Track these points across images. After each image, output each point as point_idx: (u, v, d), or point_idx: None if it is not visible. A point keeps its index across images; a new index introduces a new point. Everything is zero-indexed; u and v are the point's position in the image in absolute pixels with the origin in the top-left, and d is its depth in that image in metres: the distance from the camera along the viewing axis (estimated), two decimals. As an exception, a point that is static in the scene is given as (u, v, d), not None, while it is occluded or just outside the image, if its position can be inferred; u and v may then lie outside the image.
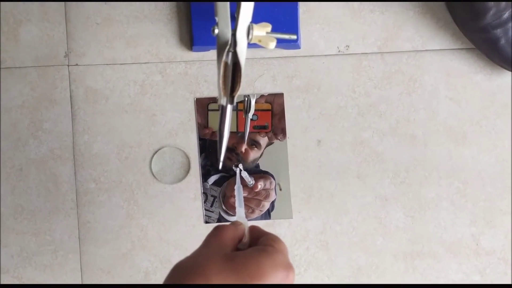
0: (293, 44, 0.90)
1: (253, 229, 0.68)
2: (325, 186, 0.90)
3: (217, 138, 0.74)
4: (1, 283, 0.91)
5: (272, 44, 0.79)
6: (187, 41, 0.91)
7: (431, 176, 0.90)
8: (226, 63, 0.72)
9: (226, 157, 0.91)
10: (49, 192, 0.91)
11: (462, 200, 0.90)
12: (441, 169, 0.90)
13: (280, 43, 0.88)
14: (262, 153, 0.91)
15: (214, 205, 0.91)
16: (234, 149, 0.91)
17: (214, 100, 0.92)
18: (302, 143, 0.91)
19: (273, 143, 0.91)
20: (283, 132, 0.90)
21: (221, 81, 0.72)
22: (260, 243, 0.65)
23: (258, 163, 0.91)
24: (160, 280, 0.90)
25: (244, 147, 0.91)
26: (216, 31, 0.73)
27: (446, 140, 0.90)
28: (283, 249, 0.65)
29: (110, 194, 0.91)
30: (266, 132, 0.90)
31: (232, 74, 0.72)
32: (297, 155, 0.91)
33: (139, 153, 0.91)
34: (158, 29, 0.91)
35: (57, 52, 0.91)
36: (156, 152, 0.91)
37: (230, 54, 0.72)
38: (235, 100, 0.73)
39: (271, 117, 0.91)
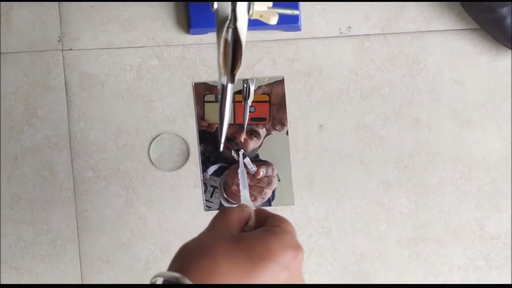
0: (294, 26, 0.88)
1: (259, 211, 0.66)
2: (327, 172, 0.89)
3: (218, 119, 0.72)
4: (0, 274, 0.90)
5: (274, 19, 0.76)
6: (184, 24, 0.89)
7: (435, 161, 0.89)
8: (226, 40, 0.70)
9: (224, 146, 0.89)
10: (46, 181, 0.89)
11: (466, 185, 0.89)
12: (445, 153, 0.89)
13: (281, 24, 0.86)
14: (261, 143, 0.89)
15: (214, 195, 0.89)
16: (233, 138, 0.89)
17: (210, 89, 0.89)
18: (304, 128, 0.89)
19: (271, 133, 0.89)
20: (281, 122, 0.89)
21: (221, 59, 0.69)
22: (267, 225, 0.64)
23: (258, 153, 0.89)
24: (161, 268, 0.89)
25: (243, 136, 0.89)
26: (215, 5, 0.70)
27: (450, 123, 0.89)
28: (291, 230, 0.63)
29: (108, 182, 0.90)
30: (264, 124, 0.89)
31: (233, 52, 0.70)
32: (299, 140, 0.89)
33: (136, 140, 0.90)
34: (155, 12, 0.89)
35: (51, 37, 0.89)
36: (154, 138, 0.90)
37: (230, 30, 0.70)
38: (236, 79, 0.70)
39: (269, 108, 0.89)
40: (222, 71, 0.69)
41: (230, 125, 0.89)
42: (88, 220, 0.89)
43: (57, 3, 0.88)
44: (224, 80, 0.69)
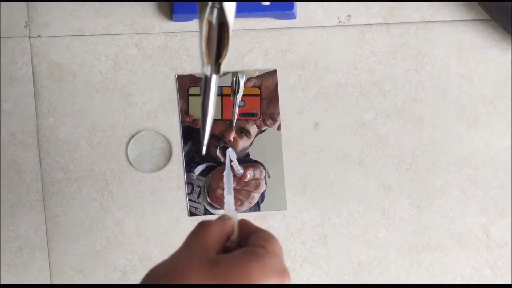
0: (288, 13, 0.83)
1: (243, 224, 0.61)
2: (323, 174, 0.85)
3: (200, 117, 0.64)
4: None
5: None
6: (166, 9, 0.84)
7: (439, 162, 0.86)
8: (210, 23, 0.62)
9: (212, 145, 0.83)
10: (11, 182, 0.84)
11: (472, 188, 0.86)
12: (451, 154, 0.86)
13: (274, 10, 0.82)
14: (252, 142, 0.83)
15: (201, 196, 0.83)
16: (221, 137, 0.84)
17: (195, 82, 0.83)
18: (298, 126, 0.85)
19: (264, 131, 0.83)
20: (272, 117, 0.84)
21: (203, 44, 0.61)
22: (250, 242, 0.59)
23: (248, 152, 0.83)
24: (140, 279, 0.83)
25: (232, 135, 0.83)
26: None
27: (456, 122, 0.85)
28: (277, 251, 0.58)
29: (81, 184, 0.85)
30: (254, 120, 0.83)
31: (218, 37, 0.62)
32: (292, 139, 0.85)
33: (113, 137, 0.85)
34: None
35: (16, 22, 0.83)
36: (132, 136, 0.85)
37: (215, 11, 0.62)
38: (222, 69, 0.62)
39: (260, 102, 0.83)
40: (205, 59, 0.62)
41: (217, 121, 0.83)
42: (59, 226, 0.85)
43: (23, -17, 0.82)
44: (207, 70, 0.62)
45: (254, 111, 0.84)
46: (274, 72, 0.84)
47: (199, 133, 0.84)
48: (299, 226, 0.85)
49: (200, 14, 0.62)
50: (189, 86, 0.84)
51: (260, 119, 0.84)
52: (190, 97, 0.84)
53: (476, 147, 0.86)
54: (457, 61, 0.85)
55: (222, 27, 0.62)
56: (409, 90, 0.85)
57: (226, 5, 0.61)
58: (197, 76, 0.84)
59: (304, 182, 0.85)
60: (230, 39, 0.62)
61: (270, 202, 0.85)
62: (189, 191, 0.84)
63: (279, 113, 0.84)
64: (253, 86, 0.84)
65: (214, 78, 0.62)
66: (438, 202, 0.86)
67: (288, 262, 0.84)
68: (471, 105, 0.85)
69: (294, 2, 0.82)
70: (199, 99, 0.82)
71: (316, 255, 0.86)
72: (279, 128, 0.84)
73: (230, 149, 0.83)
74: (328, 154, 0.85)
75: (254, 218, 0.84)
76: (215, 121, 0.83)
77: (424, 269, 0.86)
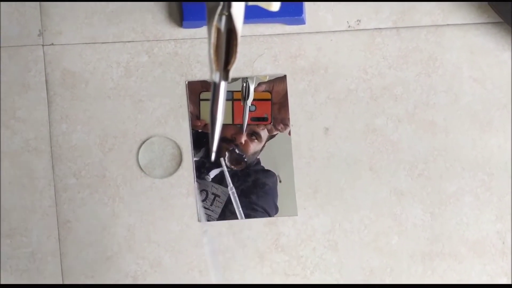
0: (297, 19, 0.84)
1: None
2: (334, 180, 0.85)
3: (209, 123, 0.64)
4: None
5: (276, 5, 0.69)
6: (176, 16, 0.85)
7: (452, 168, 0.85)
8: (218, 29, 0.62)
9: (224, 148, 0.83)
10: (25, 189, 0.85)
11: (487, 194, 0.85)
12: (464, 160, 0.85)
13: (283, 16, 0.82)
14: (263, 146, 0.83)
15: (215, 203, 0.83)
16: (233, 140, 0.84)
17: (207, 87, 0.84)
18: (308, 132, 0.85)
19: (274, 135, 0.83)
20: (283, 122, 0.84)
21: (212, 51, 0.62)
22: None
23: (259, 158, 0.83)
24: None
25: (243, 138, 0.83)
26: None
27: (469, 126, 0.85)
28: None
29: (93, 190, 0.85)
30: (265, 124, 0.83)
31: (226, 44, 0.62)
32: (302, 145, 0.85)
33: (124, 144, 0.85)
34: (144, 3, 0.85)
35: (30, 31, 0.85)
36: (143, 142, 0.85)
37: (224, 18, 0.62)
38: (230, 76, 0.63)
39: (271, 107, 0.83)
40: (214, 66, 0.62)
41: (229, 125, 0.84)
42: (71, 232, 0.85)
43: (37, -7, 0.85)
44: (216, 77, 0.62)
45: (265, 116, 0.84)
46: (284, 77, 0.84)
47: (208, 137, 0.84)
48: (309, 233, 0.85)
49: (208, 21, 0.62)
50: (200, 91, 0.84)
51: (271, 123, 0.84)
52: (201, 102, 0.84)
53: (490, 152, 0.84)
54: (469, 64, 0.84)
55: (230, 34, 0.62)
56: (421, 94, 0.84)
57: (234, 12, 0.62)
58: (208, 81, 0.84)
59: (314, 188, 0.84)
60: (238, 45, 0.62)
61: (281, 208, 0.84)
62: (203, 198, 0.84)
63: (290, 121, 0.84)
64: (264, 91, 0.84)
65: (223, 84, 0.63)
66: (451, 208, 0.84)
67: (298, 269, 0.84)
68: (484, 109, 0.84)
69: (303, 8, 0.82)
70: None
71: (327, 262, 0.85)
72: (290, 133, 0.84)
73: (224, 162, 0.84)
74: (338, 159, 0.85)
75: (264, 224, 0.84)
76: (226, 125, 0.83)
77: (438, 277, 0.85)
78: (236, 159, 0.84)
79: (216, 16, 0.61)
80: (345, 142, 0.85)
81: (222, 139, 0.83)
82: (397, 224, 0.85)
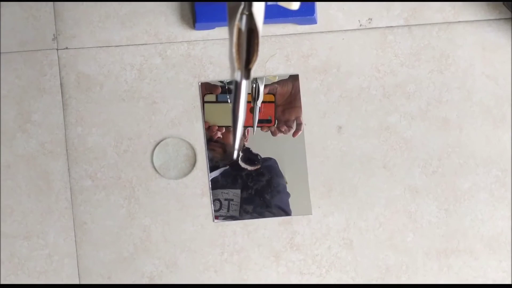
0: (309, 19, 0.83)
1: None
2: (347, 178, 0.84)
3: (231, 122, 0.64)
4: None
5: (296, 4, 0.70)
6: (189, 18, 0.85)
7: (466, 164, 0.84)
8: (239, 29, 0.62)
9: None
10: (41, 191, 0.85)
11: (501, 190, 0.84)
12: (478, 156, 0.84)
13: (295, 16, 0.82)
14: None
15: (230, 207, 0.83)
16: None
17: (210, 89, 0.84)
18: (321, 130, 0.84)
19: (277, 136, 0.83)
20: (287, 124, 0.84)
21: (234, 50, 0.61)
22: None
23: (259, 154, 0.83)
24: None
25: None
26: None
27: (482, 123, 0.84)
28: None
29: (108, 191, 0.85)
30: (269, 126, 0.83)
31: (247, 43, 0.62)
32: (315, 144, 0.84)
33: (139, 145, 0.85)
34: (157, 6, 0.85)
35: (45, 35, 0.85)
36: (158, 144, 0.85)
37: (244, 17, 0.62)
38: (252, 75, 0.63)
39: (274, 109, 0.83)
40: (236, 65, 0.62)
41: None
42: (87, 233, 0.85)
43: (51, -2, 0.85)
44: (237, 76, 0.62)
45: (269, 118, 0.84)
46: (289, 79, 0.84)
47: (212, 140, 0.84)
48: (324, 231, 0.84)
49: (229, 21, 0.63)
50: (204, 94, 0.84)
51: (275, 125, 0.84)
52: (206, 104, 0.84)
53: (504, 148, 0.84)
54: (481, 61, 0.84)
55: (251, 33, 0.62)
56: (433, 91, 0.84)
57: (255, 11, 0.62)
58: (212, 83, 0.84)
59: (328, 186, 0.84)
60: (259, 44, 0.62)
61: (295, 207, 0.84)
62: (217, 208, 0.84)
63: (294, 120, 0.84)
64: (268, 93, 0.84)
65: (244, 83, 0.63)
66: (466, 205, 0.84)
67: (314, 268, 0.83)
68: (497, 105, 0.84)
69: (315, 7, 0.82)
70: (215, 106, 0.84)
71: (343, 260, 0.84)
72: (294, 134, 0.84)
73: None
74: (352, 158, 0.84)
75: (279, 223, 0.84)
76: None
77: (454, 274, 0.84)
78: (250, 159, 0.84)
79: (238, 16, 0.62)
80: (359, 140, 0.84)
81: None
82: (412, 221, 0.84)
